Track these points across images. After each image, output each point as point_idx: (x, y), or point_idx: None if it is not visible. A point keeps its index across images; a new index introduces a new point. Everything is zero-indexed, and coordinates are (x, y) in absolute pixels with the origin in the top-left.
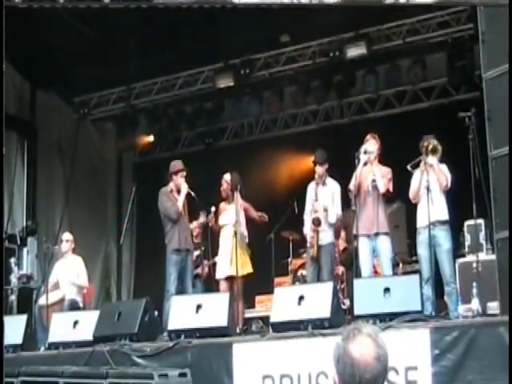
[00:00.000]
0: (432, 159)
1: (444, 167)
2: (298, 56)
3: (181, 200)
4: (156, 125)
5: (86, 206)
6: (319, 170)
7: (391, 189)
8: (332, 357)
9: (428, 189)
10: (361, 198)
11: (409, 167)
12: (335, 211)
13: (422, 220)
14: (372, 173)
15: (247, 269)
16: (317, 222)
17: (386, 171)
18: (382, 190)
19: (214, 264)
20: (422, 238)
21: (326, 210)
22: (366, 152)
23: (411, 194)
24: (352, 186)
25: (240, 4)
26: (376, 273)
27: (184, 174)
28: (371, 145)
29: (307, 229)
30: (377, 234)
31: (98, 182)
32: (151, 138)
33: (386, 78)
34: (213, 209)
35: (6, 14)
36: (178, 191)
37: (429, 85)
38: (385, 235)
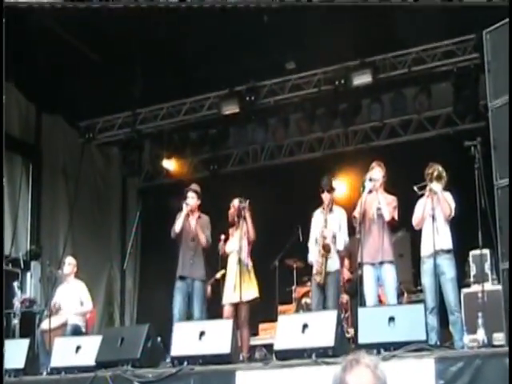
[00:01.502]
0: (436, 186)
1: (448, 195)
2: (303, 83)
3: (179, 219)
4: (161, 150)
5: (90, 230)
6: (326, 196)
7: (396, 217)
8: None
9: (433, 217)
10: (366, 225)
11: (415, 188)
12: (343, 238)
13: (425, 249)
14: (377, 200)
15: (252, 294)
16: (327, 248)
17: (392, 199)
18: (387, 217)
19: (218, 283)
20: (426, 267)
21: (334, 237)
22: (371, 179)
23: (414, 221)
24: (357, 213)
25: (241, 3)
26: (381, 302)
27: (193, 194)
28: (376, 172)
29: (313, 256)
30: (381, 263)
31: (102, 206)
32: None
33: (391, 107)
34: (222, 237)
35: (12, 37)
36: (191, 211)
37: (434, 114)
38: (390, 263)
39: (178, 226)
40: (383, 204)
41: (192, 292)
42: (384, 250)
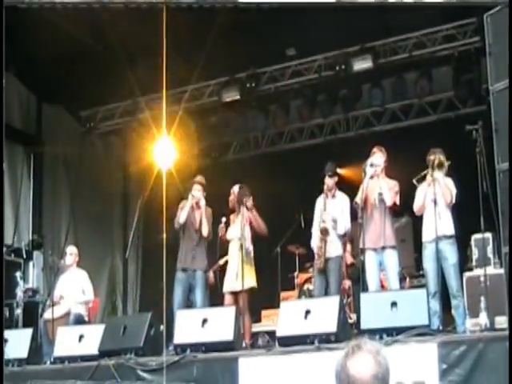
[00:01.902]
0: (438, 173)
1: (449, 181)
2: (303, 70)
3: (184, 211)
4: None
5: (91, 220)
6: (329, 181)
7: (398, 202)
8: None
9: (435, 202)
10: (367, 211)
11: (414, 181)
12: (344, 223)
13: (427, 234)
14: (379, 186)
15: (251, 282)
16: (325, 232)
17: (393, 184)
18: (389, 202)
19: (221, 270)
20: (428, 252)
21: (334, 221)
22: (372, 165)
23: (415, 207)
24: (358, 199)
25: (242, 3)
26: (383, 287)
27: (198, 187)
28: (378, 158)
29: (315, 241)
30: (383, 248)
31: (103, 195)
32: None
33: (392, 92)
34: (223, 219)
35: (12, 28)
36: (196, 203)
37: (435, 98)
38: (392, 249)
39: (182, 218)
40: (385, 189)
41: (194, 283)
42: (386, 236)
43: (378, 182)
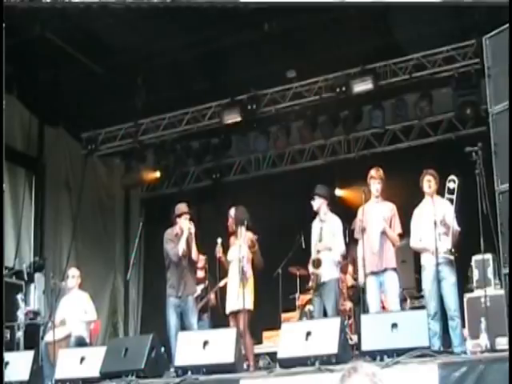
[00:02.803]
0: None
1: (449, 211)
2: (304, 91)
3: (182, 243)
4: (163, 160)
5: (93, 242)
6: (313, 204)
7: (400, 229)
8: None
9: (435, 223)
10: (367, 234)
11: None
12: (338, 250)
13: (426, 255)
14: (378, 210)
15: (248, 304)
16: (317, 263)
17: (390, 210)
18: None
19: (221, 291)
20: (427, 273)
21: (329, 249)
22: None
23: (412, 245)
24: (357, 225)
25: (242, 3)
26: (384, 308)
27: (188, 216)
28: (375, 184)
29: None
30: (385, 270)
31: (105, 217)
32: (158, 174)
33: (392, 113)
34: (219, 240)
35: (14, 50)
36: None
37: (435, 119)
38: (393, 271)
39: (180, 250)
40: (389, 230)
41: (187, 308)
42: (387, 258)
43: (377, 206)
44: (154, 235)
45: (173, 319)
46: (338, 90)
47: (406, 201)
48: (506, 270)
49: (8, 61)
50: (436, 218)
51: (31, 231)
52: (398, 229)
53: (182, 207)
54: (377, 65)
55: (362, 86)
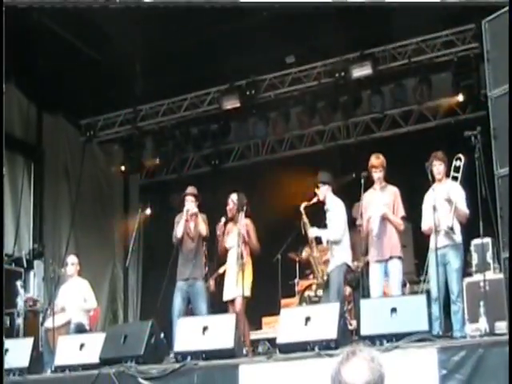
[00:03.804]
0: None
1: (460, 196)
2: (303, 77)
3: (180, 226)
4: (162, 147)
5: (92, 228)
6: (318, 193)
7: (403, 211)
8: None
9: (434, 209)
10: (372, 222)
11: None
12: (335, 229)
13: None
14: (381, 197)
15: (245, 291)
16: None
17: (392, 194)
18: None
19: (220, 278)
20: (433, 257)
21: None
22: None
23: (424, 229)
24: (360, 212)
25: (243, 3)
26: (384, 294)
27: (191, 198)
28: (376, 173)
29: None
30: (390, 258)
31: (104, 204)
32: (157, 160)
33: (391, 98)
34: (222, 219)
35: (12, 37)
36: (190, 216)
37: (435, 104)
38: (397, 259)
39: (179, 232)
40: (390, 214)
41: (195, 292)
42: (392, 246)
43: (380, 194)
44: (153, 222)
45: (177, 303)
46: (337, 75)
47: (405, 186)
48: (505, 254)
49: (6, 48)
50: (441, 199)
51: (30, 218)
52: (401, 212)
53: (188, 189)
54: (376, 50)
55: (361, 71)
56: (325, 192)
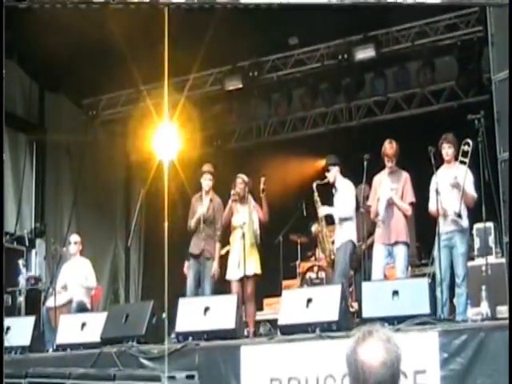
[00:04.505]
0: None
1: (469, 180)
2: (306, 59)
3: (198, 213)
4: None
5: (94, 208)
6: (328, 175)
7: (411, 197)
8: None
9: (437, 191)
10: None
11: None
12: (342, 207)
13: (442, 223)
14: (390, 181)
15: (256, 269)
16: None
17: (402, 179)
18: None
19: (222, 258)
20: (438, 240)
21: (341, 220)
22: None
23: (431, 210)
24: (368, 194)
25: (241, 4)
26: (385, 276)
27: (209, 176)
28: (389, 162)
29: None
30: (395, 243)
31: (106, 183)
32: None
33: (394, 81)
34: (263, 178)
35: (13, 17)
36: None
37: (438, 87)
38: (403, 244)
39: (195, 219)
40: (397, 199)
41: (205, 271)
42: (397, 231)
43: (386, 178)
44: (155, 201)
45: (189, 281)
46: (339, 57)
47: (408, 169)
48: (507, 239)
49: (7, 27)
50: (449, 183)
51: (32, 197)
52: (410, 198)
53: (204, 167)
54: (379, 32)
55: (364, 54)
56: (335, 174)
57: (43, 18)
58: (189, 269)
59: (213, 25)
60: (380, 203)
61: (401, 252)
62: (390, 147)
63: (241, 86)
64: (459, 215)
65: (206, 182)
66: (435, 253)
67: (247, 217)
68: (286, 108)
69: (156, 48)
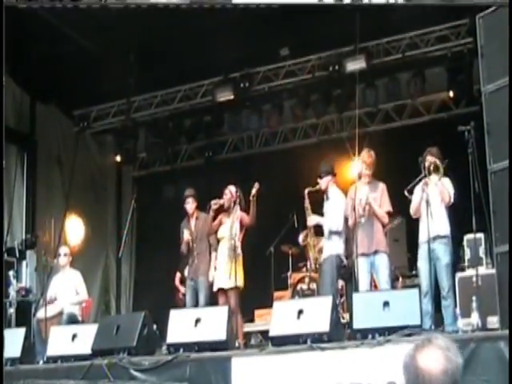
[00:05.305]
0: (434, 178)
1: (447, 182)
2: (297, 70)
3: (185, 237)
4: (156, 138)
5: (85, 220)
6: (321, 182)
7: (388, 206)
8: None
9: (427, 203)
10: (358, 216)
11: (406, 192)
12: (332, 219)
13: (422, 234)
14: (368, 191)
15: (238, 282)
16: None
17: (379, 189)
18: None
19: None
20: (422, 252)
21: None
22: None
23: (412, 210)
24: (348, 208)
25: (240, 4)
26: (375, 287)
27: (189, 200)
28: (366, 170)
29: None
30: (375, 252)
31: (97, 195)
32: (151, 152)
33: (385, 92)
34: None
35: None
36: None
37: (428, 99)
38: (383, 253)
39: (185, 242)
40: (375, 205)
41: (198, 287)
42: (377, 240)
43: (366, 188)
44: (146, 213)
45: (188, 299)
46: (330, 68)
47: (398, 180)
48: (497, 250)
49: None
50: (431, 194)
51: (23, 208)
52: (387, 207)
53: (186, 191)
54: (370, 43)
55: (355, 65)
56: (326, 182)
57: (34, 28)
58: (187, 288)
59: (204, 36)
60: (358, 203)
61: (382, 262)
62: (368, 156)
63: (232, 97)
64: (445, 237)
65: (189, 205)
66: (418, 264)
67: (228, 230)
68: (278, 119)
69: (147, 59)
